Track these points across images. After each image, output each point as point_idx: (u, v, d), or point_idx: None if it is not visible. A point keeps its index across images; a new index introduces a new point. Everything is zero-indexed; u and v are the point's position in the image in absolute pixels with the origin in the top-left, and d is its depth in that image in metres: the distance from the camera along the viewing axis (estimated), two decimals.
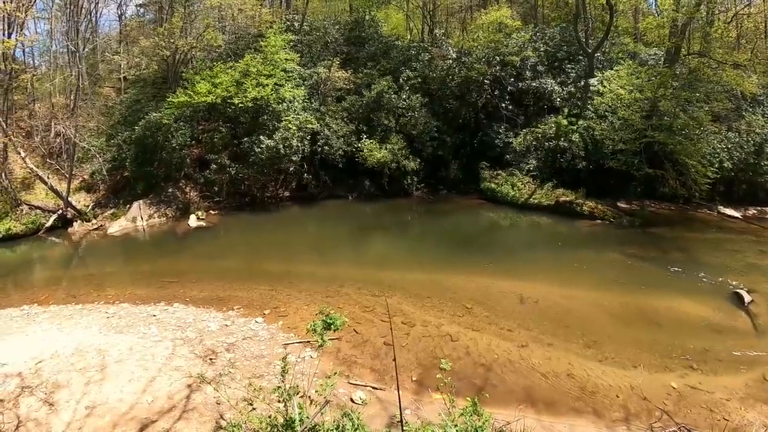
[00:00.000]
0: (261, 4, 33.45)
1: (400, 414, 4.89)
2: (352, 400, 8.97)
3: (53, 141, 27.29)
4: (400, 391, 9.24)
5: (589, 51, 28.85)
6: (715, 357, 11.00)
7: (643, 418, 8.85)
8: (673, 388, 9.74)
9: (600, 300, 14.19)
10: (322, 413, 4.90)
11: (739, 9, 29.15)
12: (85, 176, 26.55)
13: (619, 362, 10.73)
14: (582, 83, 28.80)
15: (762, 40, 32.26)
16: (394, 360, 9.65)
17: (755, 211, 24.68)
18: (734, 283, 15.09)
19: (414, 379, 9.95)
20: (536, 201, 25.53)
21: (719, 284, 15.19)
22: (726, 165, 24.63)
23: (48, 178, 24.42)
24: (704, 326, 12.65)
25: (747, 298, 13.97)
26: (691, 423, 8.65)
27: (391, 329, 11.76)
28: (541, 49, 30.99)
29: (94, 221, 23.79)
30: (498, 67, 29.77)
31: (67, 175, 24.51)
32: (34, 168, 24.25)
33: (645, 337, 11.92)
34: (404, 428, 4.78)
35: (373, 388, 9.56)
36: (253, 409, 5.44)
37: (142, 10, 42.30)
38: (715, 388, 9.74)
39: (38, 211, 23.49)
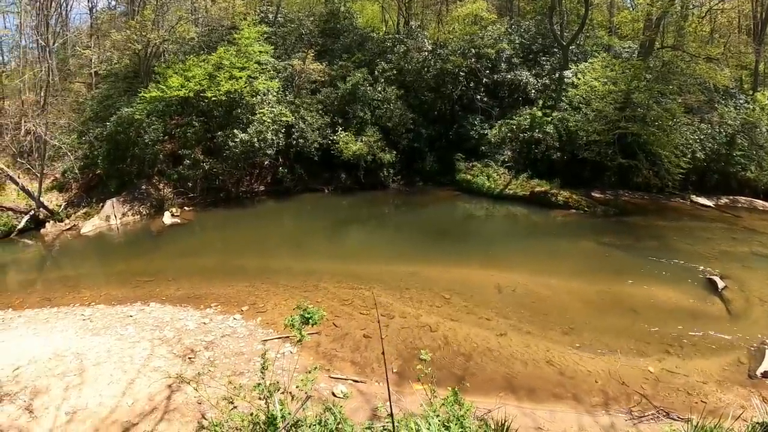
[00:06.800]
0: None
1: (390, 404, 4.87)
2: (333, 394, 8.93)
3: (23, 139, 26.44)
4: (382, 383, 9.25)
5: (564, 44, 29.11)
6: (691, 342, 11.21)
7: (622, 402, 9.00)
8: (651, 372, 9.91)
9: (576, 288, 14.35)
10: (304, 408, 4.85)
11: (713, 4, 29.65)
12: (57, 175, 25.79)
13: (597, 348, 10.87)
14: (556, 75, 29.09)
15: (735, 35, 32.92)
16: (383, 353, 9.63)
17: (727, 200, 25.20)
18: (708, 269, 15.41)
19: (395, 370, 9.94)
20: (511, 192, 25.72)
21: (693, 271, 15.49)
22: (699, 155, 25.12)
23: (19, 177, 23.72)
24: (679, 312, 12.88)
25: (720, 284, 14.28)
26: (669, 406, 8.80)
27: (378, 319, 11.74)
28: (516, 42, 31.18)
29: (66, 221, 23.10)
30: (473, 60, 29.83)
31: (38, 175, 23.80)
32: (5, 168, 23.55)
33: (622, 323, 12.11)
34: (388, 419, 4.77)
35: (354, 381, 9.54)
36: (234, 407, 5.37)
37: (113, 2, 41.35)
38: (691, 372, 9.94)
39: (10, 212, 22.80)
